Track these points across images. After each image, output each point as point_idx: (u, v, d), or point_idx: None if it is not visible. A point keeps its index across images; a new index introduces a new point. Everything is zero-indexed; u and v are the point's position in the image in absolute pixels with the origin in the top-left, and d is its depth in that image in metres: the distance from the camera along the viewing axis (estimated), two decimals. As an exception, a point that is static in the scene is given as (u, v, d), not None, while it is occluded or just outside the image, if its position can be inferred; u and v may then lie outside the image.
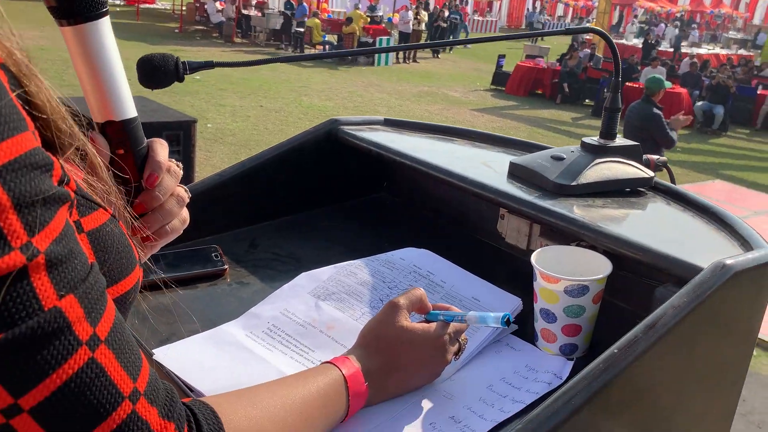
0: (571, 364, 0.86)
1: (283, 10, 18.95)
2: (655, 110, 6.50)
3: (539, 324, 0.90)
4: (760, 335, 5.09)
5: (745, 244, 0.87)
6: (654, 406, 0.76)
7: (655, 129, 6.47)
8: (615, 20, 33.95)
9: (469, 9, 28.46)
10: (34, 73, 0.49)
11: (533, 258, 0.88)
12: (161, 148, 0.70)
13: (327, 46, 18.00)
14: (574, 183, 1.01)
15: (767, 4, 42.31)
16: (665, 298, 0.77)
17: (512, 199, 1.01)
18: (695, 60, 18.83)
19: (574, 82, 16.00)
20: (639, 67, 16.83)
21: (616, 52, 1.03)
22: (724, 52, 25.71)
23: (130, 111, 0.67)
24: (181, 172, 0.72)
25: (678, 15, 37.69)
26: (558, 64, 16.75)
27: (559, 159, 1.05)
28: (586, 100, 15.96)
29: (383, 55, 18.12)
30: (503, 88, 16.61)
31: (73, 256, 0.46)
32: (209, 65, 0.81)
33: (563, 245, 0.93)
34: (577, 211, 0.96)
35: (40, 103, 0.49)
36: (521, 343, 0.90)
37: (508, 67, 17.29)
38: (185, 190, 0.74)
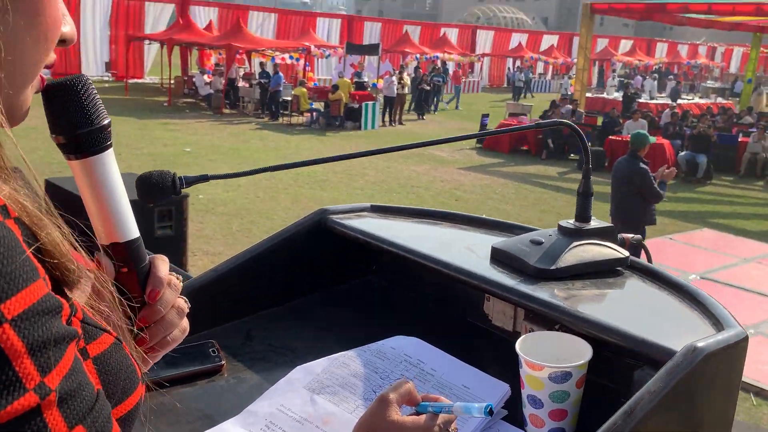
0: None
1: (259, 80, 19.38)
2: (641, 165, 6.62)
3: (527, 410, 0.94)
4: (760, 384, 5.05)
5: (717, 323, 0.91)
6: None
7: (642, 184, 6.57)
8: (595, 75, 34.79)
9: (450, 70, 29.15)
10: (45, 223, 0.54)
11: (518, 346, 0.92)
12: (162, 264, 0.75)
13: (314, 113, 18.34)
14: (553, 267, 1.06)
15: (741, 53, 43.54)
16: (643, 381, 0.81)
17: (495, 285, 1.06)
18: (676, 110, 19.28)
19: (557, 138, 16.29)
20: (621, 120, 17.19)
21: (585, 142, 1.10)
22: (703, 101, 26.32)
23: (133, 232, 0.72)
24: (181, 285, 0.77)
25: (656, 67, 38.69)
26: (541, 120, 17.11)
27: (538, 243, 1.11)
28: (571, 155, 16.23)
29: (370, 118, 18.47)
30: (485, 146, 16.91)
31: (81, 388, 0.50)
32: (204, 179, 0.87)
33: (546, 331, 0.97)
34: (558, 294, 1.01)
35: (51, 250, 0.54)
36: (511, 429, 0.94)
37: (492, 125, 17.63)
38: (185, 301, 0.78)
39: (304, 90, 18.72)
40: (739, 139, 15.90)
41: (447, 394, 0.93)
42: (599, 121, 18.05)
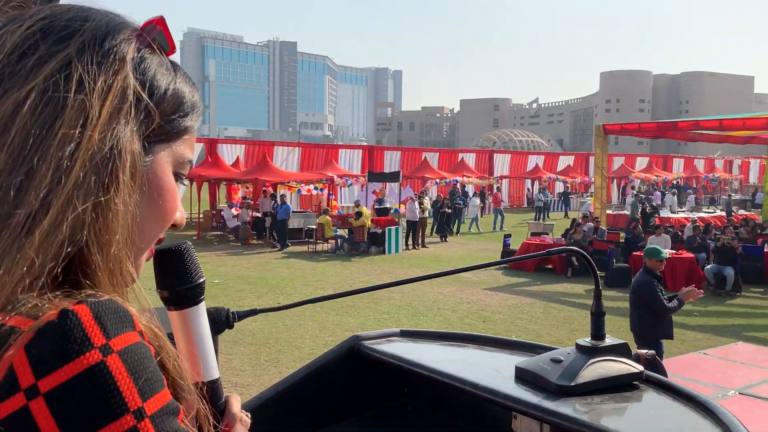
0: None
1: (268, 210, 19.97)
2: (648, 278, 6.71)
3: None
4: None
5: (726, 428, 0.98)
6: None
7: (648, 296, 6.61)
8: (614, 192, 35.26)
9: (470, 192, 29.82)
10: (165, 344, 0.68)
11: (543, 459, 0.99)
12: (236, 402, 0.86)
13: (339, 240, 18.69)
14: (573, 384, 1.14)
15: (759, 164, 44.03)
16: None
17: (520, 403, 1.14)
18: (698, 224, 19.33)
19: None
20: (643, 236, 17.25)
21: (594, 266, 1.22)
22: (724, 214, 26.40)
23: (215, 373, 0.84)
24: (249, 421, 0.87)
25: (674, 182, 39.17)
26: (563, 238, 17.22)
27: (558, 361, 1.19)
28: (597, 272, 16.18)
29: (393, 243, 18.75)
30: (510, 266, 16.96)
31: None
32: (253, 312, 0.99)
33: (570, 444, 1.04)
34: (579, 409, 1.09)
35: (169, 368, 0.67)
36: None
37: (515, 245, 17.77)
38: None
39: (328, 218, 19.20)
40: (765, 250, 15.80)
41: None
42: (622, 237, 18.15)
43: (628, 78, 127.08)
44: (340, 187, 26.08)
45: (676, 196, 32.02)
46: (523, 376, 1.22)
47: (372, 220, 19.70)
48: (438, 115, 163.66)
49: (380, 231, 19.03)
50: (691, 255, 15.30)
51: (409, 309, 11.86)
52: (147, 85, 0.68)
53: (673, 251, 15.21)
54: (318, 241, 18.82)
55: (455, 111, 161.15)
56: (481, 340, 1.46)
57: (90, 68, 0.64)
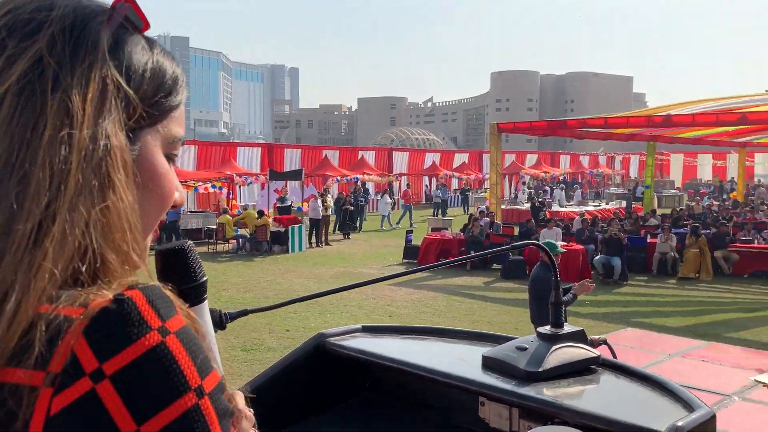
0: None
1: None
2: (545, 272, 7.05)
3: (540, 497, 1.06)
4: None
5: (687, 406, 1.08)
6: None
7: (544, 289, 6.97)
8: (506, 189, 36.55)
9: (371, 189, 30.10)
10: (199, 328, 0.68)
11: (526, 441, 1.06)
12: (240, 398, 0.86)
13: (240, 239, 18.37)
14: (540, 369, 1.22)
15: (638, 160, 46.98)
16: (641, 463, 0.95)
17: (492, 389, 1.20)
18: (586, 217, 20.41)
19: (479, 249, 16.87)
20: (536, 229, 18.03)
21: (552, 258, 1.30)
22: (609, 206, 28.00)
23: (219, 371, 0.84)
24: (254, 418, 0.88)
25: (561, 178, 41.11)
26: (462, 233, 17.73)
27: (523, 349, 1.27)
28: (494, 265, 16.76)
29: (297, 241, 18.64)
30: (415, 261, 17.27)
31: None
32: (244, 313, 0.99)
33: (547, 427, 1.11)
34: (549, 393, 1.16)
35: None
36: None
37: (416, 240, 18.11)
38: None
39: (229, 217, 18.82)
40: (648, 240, 16.90)
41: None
42: (516, 231, 18.89)
43: (517, 78, 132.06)
44: (240, 186, 25.60)
45: (564, 191, 33.63)
46: (490, 364, 1.28)
47: (274, 219, 19.48)
48: (336, 113, 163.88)
49: (283, 230, 18.87)
50: (581, 247, 16.12)
51: (315, 307, 11.84)
52: (124, 71, 0.66)
53: (565, 243, 16.00)
54: (219, 242, 18.41)
55: (353, 109, 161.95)
56: (441, 332, 1.52)
57: (64, 62, 0.61)
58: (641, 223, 19.83)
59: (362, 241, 21.60)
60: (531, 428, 1.13)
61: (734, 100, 17.93)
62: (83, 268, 0.62)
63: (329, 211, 20.76)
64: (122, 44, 0.66)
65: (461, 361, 1.34)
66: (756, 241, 16.56)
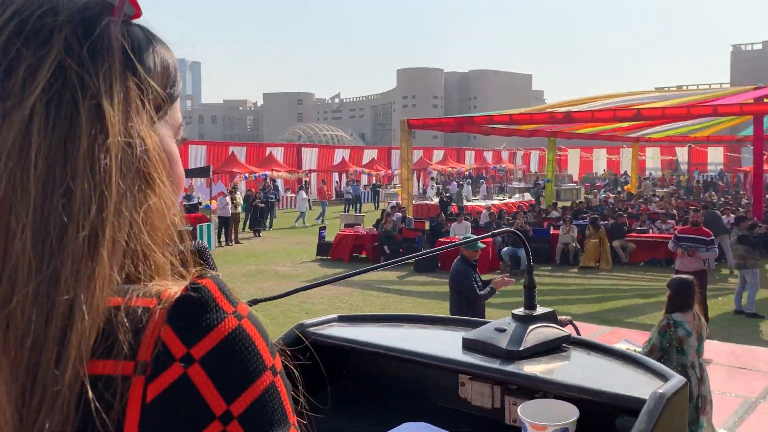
0: (567, 494, 1.09)
1: None
2: (464, 266, 7.26)
3: (533, 467, 1.12)
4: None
5: (661, 376, 1.18)
6: None
7: (463, 283, 7.17)
8: (415, 185, 37.10)
9: (280, 187, 29.84)
10: None
11: (521, 412, 1.12)
12: None
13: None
14: (521, 348, 1.29)
15: (538, 155, 48.81)
16: (625, 426, 1.04)
17: (476, 368, 1.26)
18: (492, 210, 21.05)
19: (392, 244, 17.09)
20: (446, 223, 18.43)
21: (527, 244, 1.37)
22: (513, 200, 28.96)
23: None
24: None
25: (467, 173, 42.15)
26: (375, 229, 17.88)
27: (502, 330, 1.34)
28: (407, 259, 17.01)
29: (205, 240, 18.21)
30: (328, 257, 17.29)
31: None
32: (254, 302, 1.00)
33: (536, 400, 1.18)
34: (531, 369, 1.24)
35: None
36: (520, 486, 1.12)
37: (329, 236, 18.12)
38: None
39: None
40: (551, 232, 17.63)
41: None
42: (427, 225, 19.25)
43: (423, 75, 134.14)
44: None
45: (470, 185, 34.52)
46: (471, 346, 1.34)
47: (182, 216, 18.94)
48: (241, 108, 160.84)
49: (190, 228, 18.40)
50: (489, 239, 16.64)
51: (231, 306, 11.64)
52: (141, 69, 0.65)
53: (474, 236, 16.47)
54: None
55: (258, 104, 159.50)
56: (417, 319, 1.56)
57: (86, 66, 0.60)
58: (544, 215, 20.66)
59: (273, 239, 21.38)
60: (516, 404, 1.20)
61: (629, 97, 18.94)
62: (137, 268, 0.63)
63: (239, 209, 20.42)
64: (133, 41, 0.66)
65: (442, 344, 1.39)
66: (650, 231, 17.60)
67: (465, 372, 1.28)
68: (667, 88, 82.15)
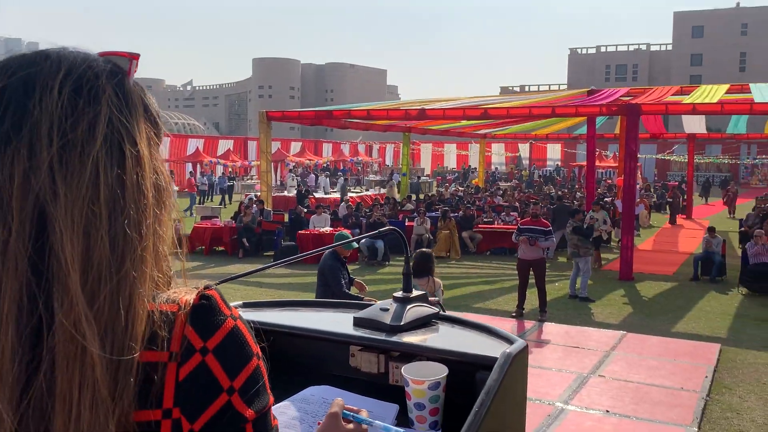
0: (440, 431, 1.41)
1: None
2: (334, 262, 7.60)
3: (413, 414, 1.43)
4: None
5: (507, 340, 1.52)
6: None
7: (330, 278, 7.52)
8: (273, 176, 36.89)
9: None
10: None
11: (404, 371, 1.42)
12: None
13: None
14: (402, 323, 1.59)
15: (393, 149, 50.15)
16: (483, 379, 1.37)
17: (365, 340, 1.54)
18: (350, 203, 21.53)
19: (251, 236, 17.05)
20: (305, 216, 18.66)
21: (406, 241, 1.67)
22: (370, 192, 29.69)
23: None
24: None
25: (324, 165, 42.48)
26: (233, 221, 17.74)
27: (386, 309, 1.63)
28: (265, 252, 17.06)
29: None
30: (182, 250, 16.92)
31: None
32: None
33: (415, 362, 1.48)
34: (410, 340, 1.54)
35: None
36: (406, 431, 1.42)
37: (186, 229, 17.75)
38: None
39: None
40: (406, 224, 18.39)
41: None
42: (286, 218, 19.37)
43: (279, 65, 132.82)
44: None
45: (328, 178, 34.90)
46: (360, 323, 1.63)
47: None
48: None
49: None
50: (348, 230, 17.08)
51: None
52: (151, 115, 0.89)
53: (333, 228, 16.84)
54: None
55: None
56: (313, 303, 1.82)
57: (125, 119, 0.82)
58: (399, 207, 21.46)
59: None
60: (398, 368, 1.50)
61: (476, 100, 20.08)
62: (161, 272, 0.86)
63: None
64: (142, 94, 0.88)
65: (336, 322, 1.66)
66: (496, 223, 18.85)
67: (356, 344, 1.57)
68: (511, 88, 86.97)
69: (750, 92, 17.48)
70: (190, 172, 32.98)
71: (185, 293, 0.85)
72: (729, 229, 20.97)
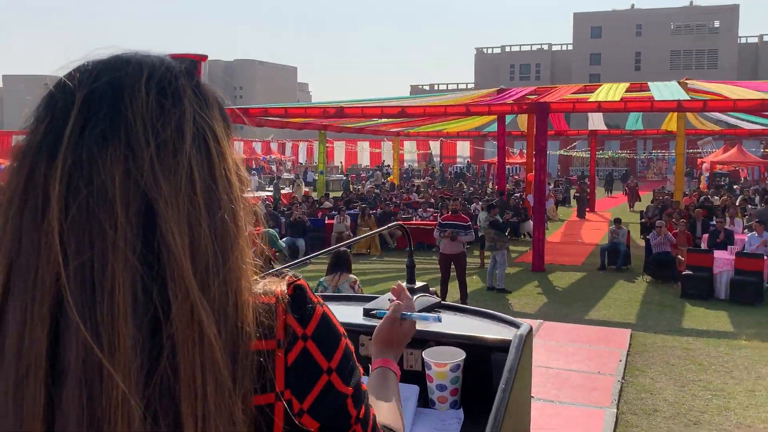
0: (461, 410, 1.51)
1: None
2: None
3: (435, 395, 1.53)
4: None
5: (513, 324, 1.65)
6: (515, 414, 1.47)
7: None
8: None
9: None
10: None
11: (425, 356, 1.52)
12: None
13: None
14: (410, 313, 1.68)
15: (306, 146, 49.90)
16: (499, 359, 1.49)
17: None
18: (268, 202, 21.34)
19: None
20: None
21: (410, 237, 1.77)
22: (286, 191, 29.47)
23: None
24: None
25: (236, 163, 41.70)
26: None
27: (393, 300, 1.72)
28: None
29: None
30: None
31: None
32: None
33: (434, 347, 1.59)
34: (421, 327, 1.64)
35: None
36: (427, 410, 1.52)
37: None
38: None
39: None
40: (326, 222, 18.44)
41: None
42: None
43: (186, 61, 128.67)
44: None
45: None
46: (369, 313, 1.71)
47: None
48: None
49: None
50: (270, 230, 16.97)
51: None
52: (225, 113, 0.93)
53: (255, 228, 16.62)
54: None
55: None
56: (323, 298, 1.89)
57: (206, 117, 0.86)
58: (318, 205, 21.47)
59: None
60: (413, 354, 1.60)
61: (394, 102, 20.33)
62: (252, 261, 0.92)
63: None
64: (214, 92, 0.92)
65: (344, 314, 1.74)
66: (414, 218, 19.18)
67: (366, 333, 1.65)
68: (421, 86, 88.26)
69: (649, 90, 18.56)
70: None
71: (276, 284, 0.91)
72: (630, 221, 22.18)
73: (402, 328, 1.36)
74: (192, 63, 0.93)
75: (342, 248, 8.09)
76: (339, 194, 26.21)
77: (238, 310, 0.83)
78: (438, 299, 1.83)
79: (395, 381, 1.24)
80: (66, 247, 0.76)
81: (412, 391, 1.58)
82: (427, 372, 1.54)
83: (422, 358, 1.55)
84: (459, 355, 1.55)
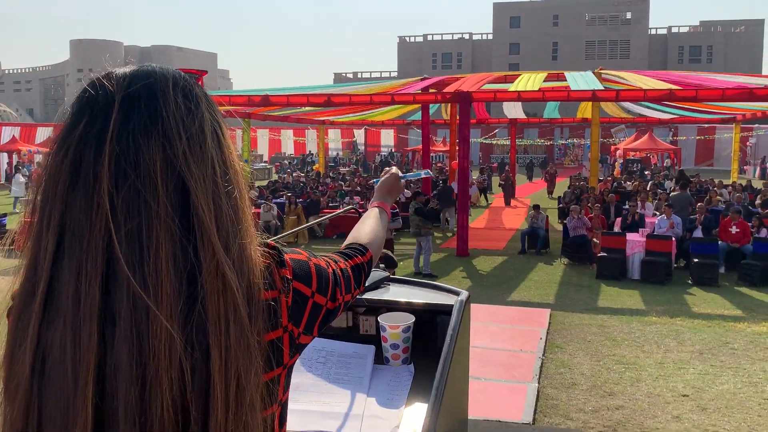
0: (412, 365, 1.76)
1: None
2: None
3: (389, 353, 1.77)
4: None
5: (453, 292, 1.91)
6: (458, 365, 1.72)
7: None
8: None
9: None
10: None
11: (381, 319, 1.75)
12: None
13: None
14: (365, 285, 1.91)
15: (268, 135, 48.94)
16: (443, 322, 1.74)
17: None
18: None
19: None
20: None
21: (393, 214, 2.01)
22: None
23: None
24: None
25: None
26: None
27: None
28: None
29: None
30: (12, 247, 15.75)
31: None
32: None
33: (387, 313, 1.82)
34: (375, 297, 1.88)
35: None
36: (381, 367, 1.76)
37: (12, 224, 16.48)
38: None
39: None
40: (253, 211, 18.31)
41: (347, 361, 1.69)
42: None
43: (100, 47, 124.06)
44: None
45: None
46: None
47: None
48: None
49: None
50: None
51: None
52: (220, 113, 1.17)
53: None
54: None
55: None
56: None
57: (216, 117, 1.08)
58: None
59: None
60: (368, 320, 1.84)
61: (319, 90, 20.32)
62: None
63: None
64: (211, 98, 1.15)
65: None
66: (341, 207, 19.35)
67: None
68: (344, 74, 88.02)
69: (566, 80, 19.31)
70: (7, 162, 30.30)
71: (264, 248, 1.12)
72: (549, 206, 23.06)
73: (399, 183, 1.67)
74: (194, 76, 1.14)
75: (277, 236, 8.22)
76: (264, 183, 26.07)
77: (252, 266, 1.04)
78: (387, 274, 2.07)
79: (386, 216, 1.55)
80: (116, 216, 0.95)
81: (369, 350, 1.82)
82: (382, 334, 1.78)
83: (377, 322, 1.78)
84: (409, 319, 1.80)
